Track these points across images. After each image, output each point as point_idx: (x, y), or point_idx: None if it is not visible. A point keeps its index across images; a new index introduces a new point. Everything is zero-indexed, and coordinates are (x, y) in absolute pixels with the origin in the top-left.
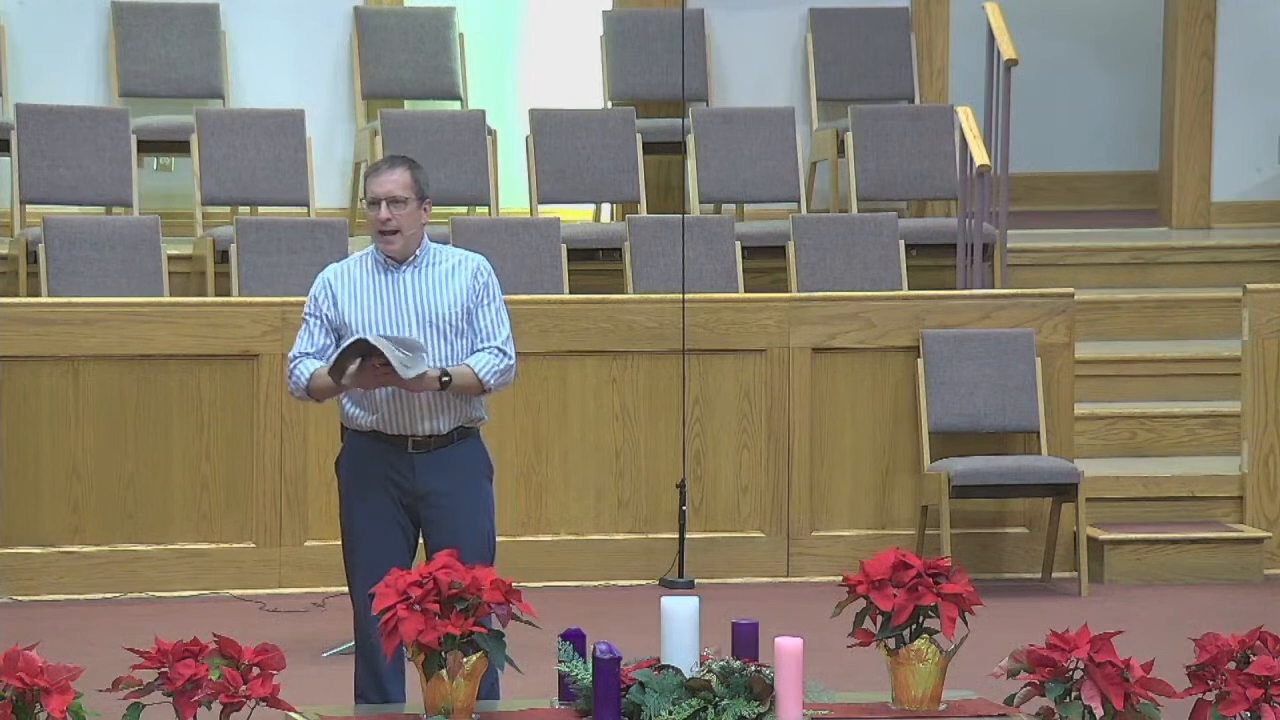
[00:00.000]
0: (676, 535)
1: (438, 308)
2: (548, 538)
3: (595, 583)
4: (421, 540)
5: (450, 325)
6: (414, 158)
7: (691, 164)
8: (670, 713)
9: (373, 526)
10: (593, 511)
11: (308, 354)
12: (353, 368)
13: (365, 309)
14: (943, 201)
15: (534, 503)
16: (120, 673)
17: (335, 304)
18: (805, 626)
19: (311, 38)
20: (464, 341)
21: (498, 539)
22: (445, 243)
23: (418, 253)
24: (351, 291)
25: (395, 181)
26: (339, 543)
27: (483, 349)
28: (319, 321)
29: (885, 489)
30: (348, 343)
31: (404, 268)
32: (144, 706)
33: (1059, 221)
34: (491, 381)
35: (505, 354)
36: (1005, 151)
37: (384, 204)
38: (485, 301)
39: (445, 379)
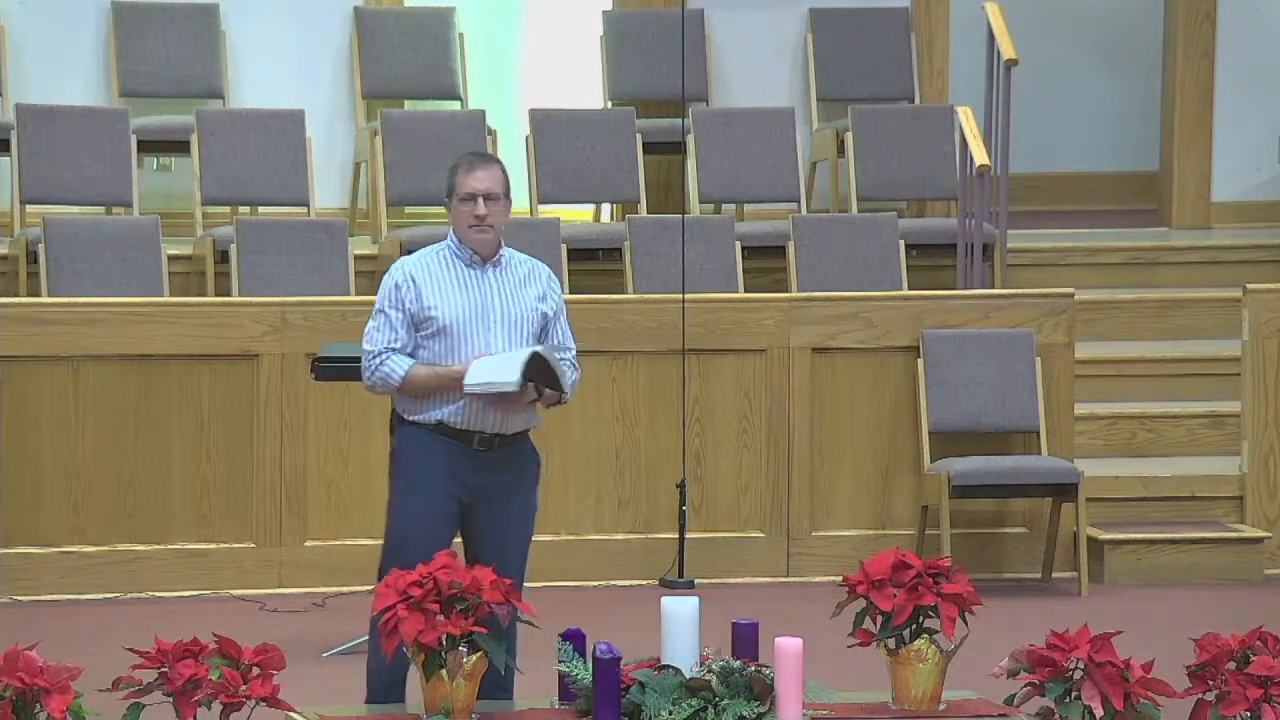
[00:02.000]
0: (676, 535)
1: (521, 309)
2: (547, 538)
3: (595, 583)
4: (460, 536)
5: (530, 326)
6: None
7: (691, 164)
8: (670, 713)
9: (425, 523)
10: (593, 512)
11: (394, 348)
12: (454, 368)
13: (454, 303)
14: (943, 201)
15: None
16: (120, 673)
17: (419, 297)
18: (805, 626)
19: (311, 38)
20: (535, 343)
21: None
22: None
23: (501, 253)
24: (437, 285)
25: (494, 178)
26: (339, 543)
27: (561, 359)
28: (401, 315)
29: (885, 489)
30: (532, 354)
31: (488, 266)
32: (144, 706)
33: (1059, 221)
34: (569, 395)
35: (578, 368)
36: (1005, 151)
37: (482, 199)
38: (559, 312)
39: (539, 396)
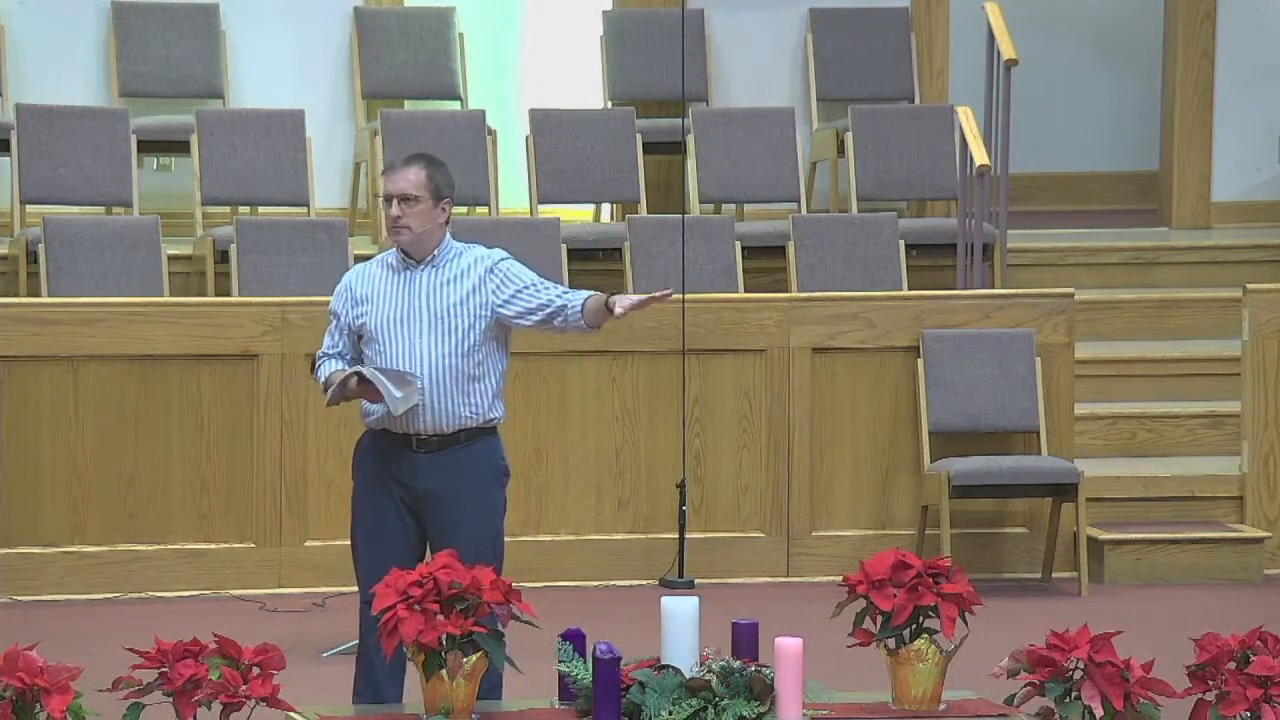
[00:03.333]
0: (676, 535)
1: (448, 305)
2: (548, 538)
3: (595, 583)
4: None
5: (461, 322)
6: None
7: (691, 164)
8: (670, 713)
9: (375, 525)
10: (593, 511)
11: (328, 354)
12: (353, 381)
13: (381, 307)
14: (943, 201)
15: (534, 503)
16: (120, 673)
17: (355, 303)
18: (805, 626)
19: (311, 38)
20: (474, 338)
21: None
22: None
23: (436, 252)
24: (369, 290)
25: (408, 180)
26: (339, 543)
27: (563, 293)
28: (337, 321)
29: (885, 489)
30: (344, 374)
31: (421, 267)
32: (144, 706)
33: (1059, 221)
34: (584, 320)
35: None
36: (1005, 151)
37: (395, 201)
38: (516, 285)
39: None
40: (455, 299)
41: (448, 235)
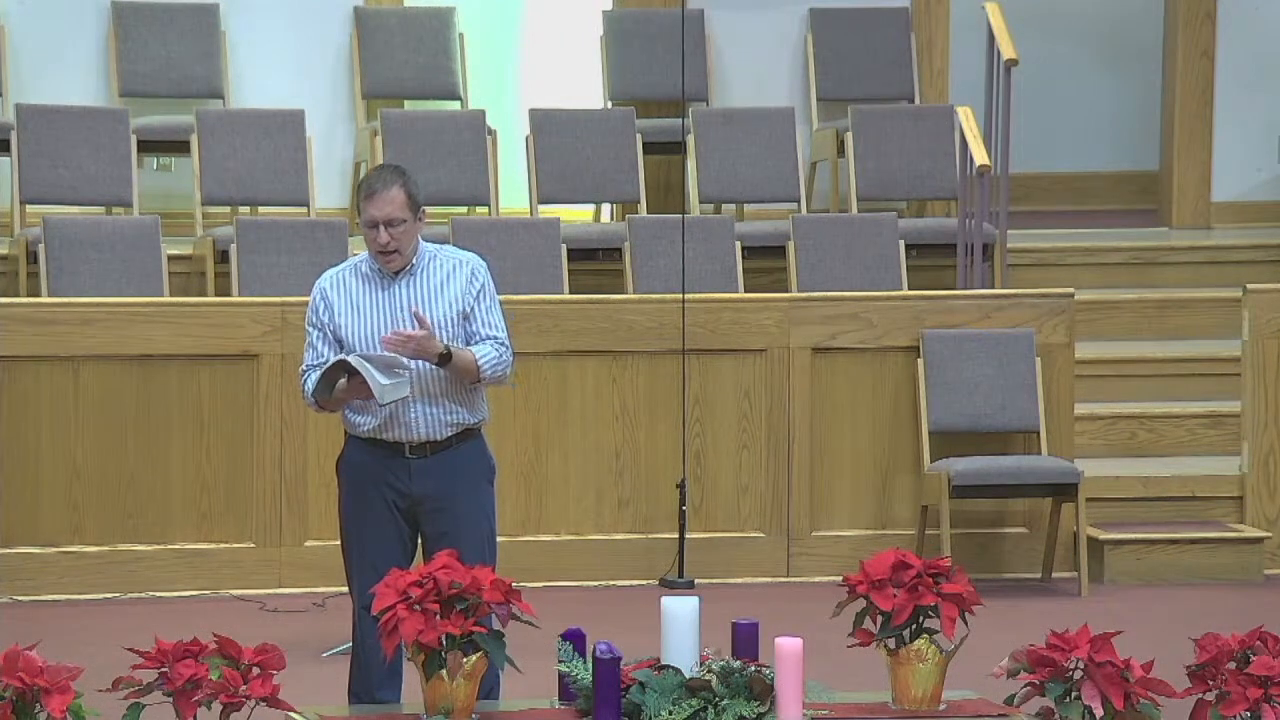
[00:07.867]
0: (676, 535)
1: (433, 315)
2: (548, 538)
3: (595, 583)
4: (420, 544)
5: (446, 331)
6: (404, 162)
7: (691, 164)
8: (670, 713)
9: (370, 531)
10: (593, 511)
11: (314, 366)
12: (342, 382)
13: (361, 320)
14: (943, 201)
15: (534, 503)
16: (120, 673)
17: (332, 314)
18: (805, 626)
19: (311, 38)
20: (459, 345)
21: (498, 539)
22: (444, 242)
23: (413, 261)
24: (347, 302)
25: (392, 202)
26: (339, 543)
27: (485, 339)
28: (320, 333)
29: (885, 489)
30: (329, 364)
31: (400, 277)
32: (144, 706)
33: (1059, 221)
34: (487, 372)
35: (505, 347)
36: (1005, 151)
37: (382, 227)
38: (481, 300)
39: (446, 354)
40: (441, 310)
41: (420, 241)
